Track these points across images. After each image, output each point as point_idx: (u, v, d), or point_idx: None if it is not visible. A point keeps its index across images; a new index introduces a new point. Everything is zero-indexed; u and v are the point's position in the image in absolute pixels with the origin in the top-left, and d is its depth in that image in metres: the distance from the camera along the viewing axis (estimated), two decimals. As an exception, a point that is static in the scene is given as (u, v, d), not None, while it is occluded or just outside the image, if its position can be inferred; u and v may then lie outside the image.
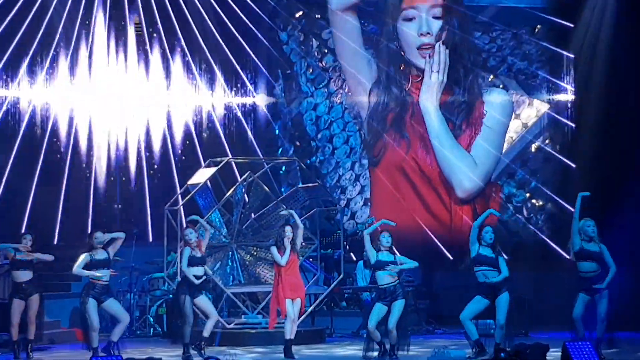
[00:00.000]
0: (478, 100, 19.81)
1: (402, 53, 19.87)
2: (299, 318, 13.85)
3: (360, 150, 20.11)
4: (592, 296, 13.25)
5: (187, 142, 19.45)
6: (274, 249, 13.72)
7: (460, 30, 19.68)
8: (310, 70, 20.28)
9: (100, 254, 13.28)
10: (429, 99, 19.74)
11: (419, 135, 19.83)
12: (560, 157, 19.50)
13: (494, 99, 19.90)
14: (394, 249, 13.45)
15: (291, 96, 20.23)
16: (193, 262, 13.62)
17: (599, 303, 13.24)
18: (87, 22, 18.93)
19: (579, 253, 13.28)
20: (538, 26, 20.01)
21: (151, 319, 16.85)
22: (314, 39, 20.28)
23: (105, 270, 13.29)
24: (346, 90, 20.16)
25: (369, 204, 19.99)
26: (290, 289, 13.68)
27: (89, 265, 13.19)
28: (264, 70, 19.85)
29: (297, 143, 20.37)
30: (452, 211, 19.68)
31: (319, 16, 20.17)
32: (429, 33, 19.66)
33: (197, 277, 13.57)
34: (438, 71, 19.61)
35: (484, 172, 19.71)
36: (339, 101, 20.19)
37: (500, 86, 20.04)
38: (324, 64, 20.29)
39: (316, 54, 20.29)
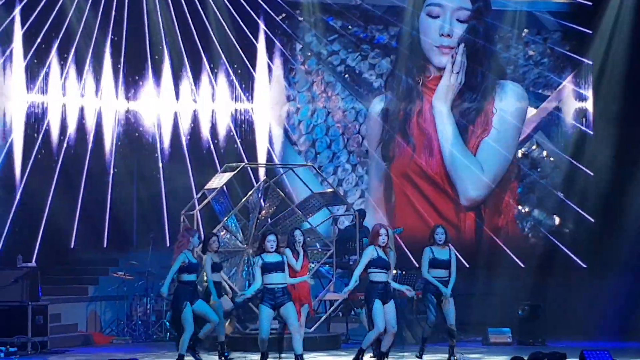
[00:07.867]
0: (490, 103, 19.56)
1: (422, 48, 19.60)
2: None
3: (347, 154, 19.83)
4: None
5: (204, 146, 19.48)
6: (289, 252, 13.53)
7: (484, 37, 19.45)
8: (293, 74, 20.10)
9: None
10: (443, 99, 19.50)
11: (425, 137, 19.57)
12: (578, 165, 19.35)
13: (507, 100, 19.62)
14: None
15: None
16: (215, 268, 13.81)
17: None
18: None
19: None
20: (558, 32, 19.87)
21: (167, 324, 16.83)
22: (296, 42, 20.02)
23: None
24: (328, 94, 19.92)
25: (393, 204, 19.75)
26: (303, 296, 13.60)
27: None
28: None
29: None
30: (460, 215, 19.53)
31: (302, 19, 19.87)
32: (449, 35, 19.47)
33: (216, 284, 13.73)
34: (458, 72, 19.38)
35: (490, 178, 19.46)
36: (322, 105, 19.96)
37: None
38: (306, 67, 20.03)
39: (299, 57, 20.04)
